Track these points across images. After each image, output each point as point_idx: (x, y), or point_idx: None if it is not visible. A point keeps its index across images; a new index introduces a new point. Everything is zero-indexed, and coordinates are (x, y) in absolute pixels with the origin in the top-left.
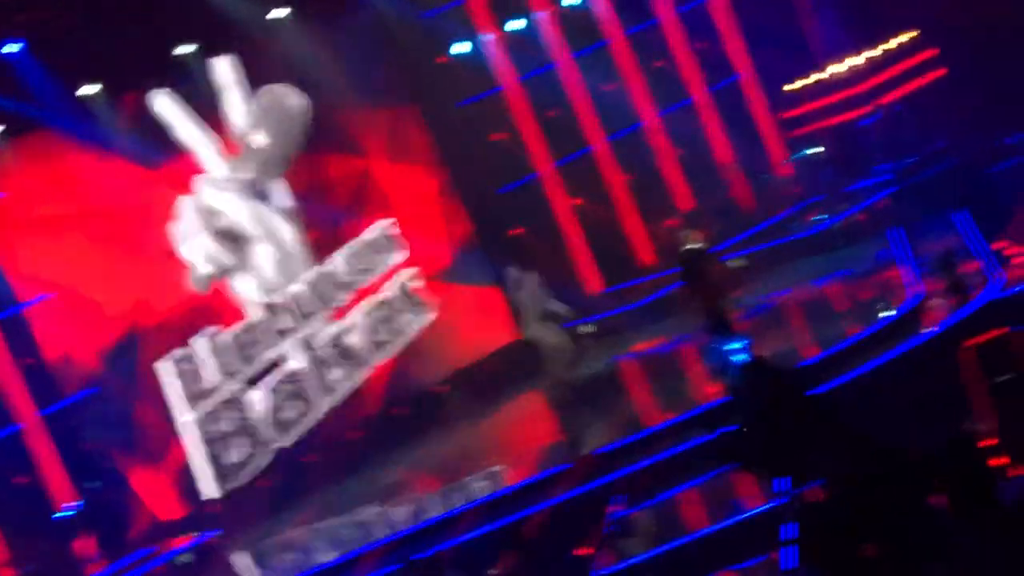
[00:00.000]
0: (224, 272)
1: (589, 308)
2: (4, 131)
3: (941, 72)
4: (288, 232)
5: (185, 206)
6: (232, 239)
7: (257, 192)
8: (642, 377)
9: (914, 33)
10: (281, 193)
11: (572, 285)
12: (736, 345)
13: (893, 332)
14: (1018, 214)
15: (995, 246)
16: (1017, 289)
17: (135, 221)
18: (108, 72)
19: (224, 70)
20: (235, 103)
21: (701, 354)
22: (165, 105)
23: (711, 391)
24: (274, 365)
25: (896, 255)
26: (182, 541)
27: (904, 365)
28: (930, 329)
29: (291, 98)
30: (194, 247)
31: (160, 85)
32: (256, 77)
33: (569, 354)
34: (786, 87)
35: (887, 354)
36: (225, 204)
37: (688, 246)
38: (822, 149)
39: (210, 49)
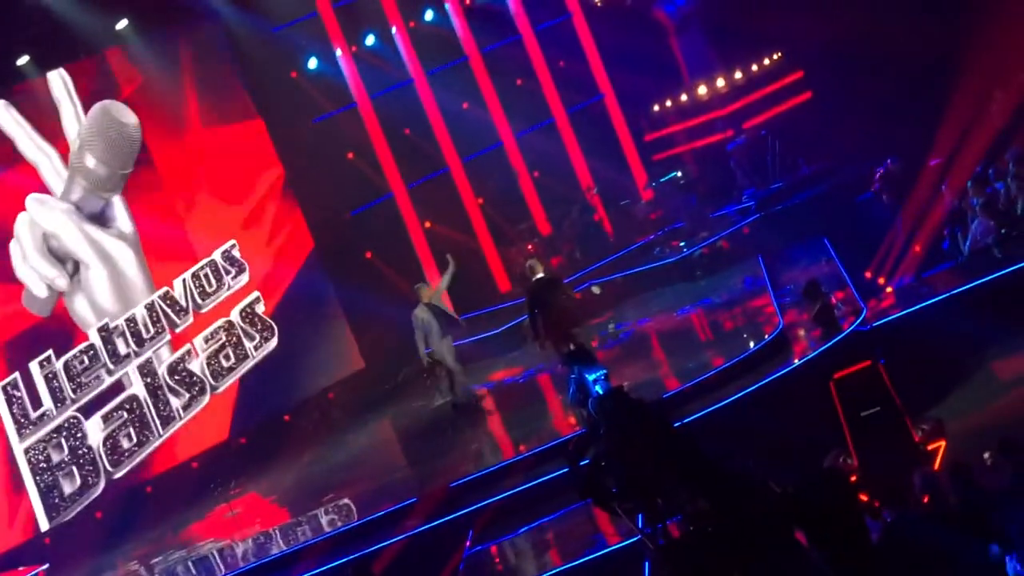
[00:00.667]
0: (58, 295)
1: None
2: None
3: (806, 95)
4: (125, 255)
5: (20, 224)
6: (65, 261)
7: (94, 213)
8: (499, 407)
9: (779, 55)
10: (121, 214)
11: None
12: (593, 375)
13: (757, 363)
14: (884, 244)
15: (861, 276)
16: (882, 321)
17: None
18: None
19: (57, 83)
20: (69, 118)
21: (558, 384)
22: (4, 113)
23: (568, 423)
24: (110, 392)
25: (762, 283)
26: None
27: (768, 397)
28: (794, 360)
29: (124, 115)
30: (28, 268)
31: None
32: (95, 90)
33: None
34: (650, 108)
35: (750, 386)
36: (56, 225)
37: (535, 276)
38: (683, 174)
39: (49, 59)
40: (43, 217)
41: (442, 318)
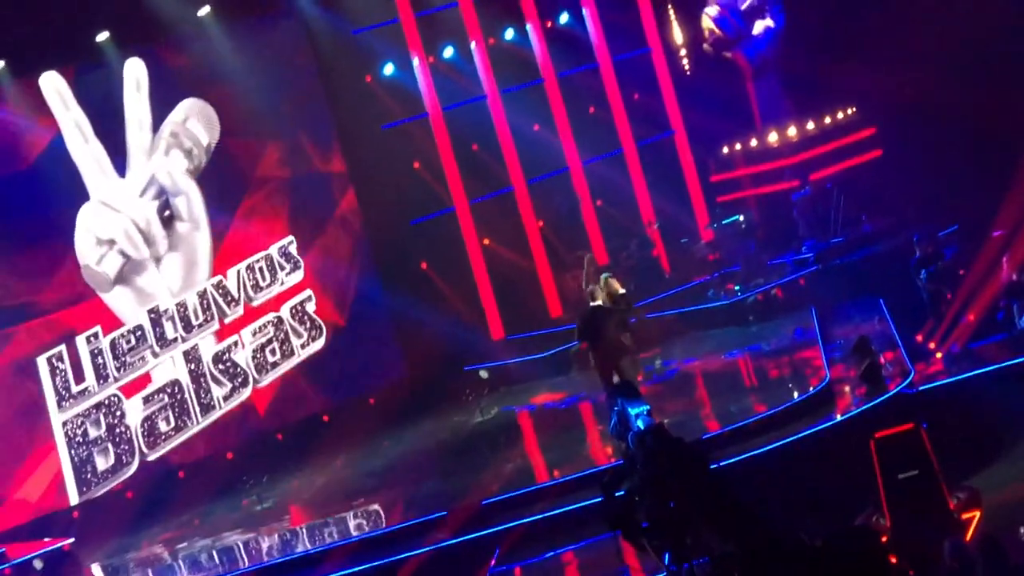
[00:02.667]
0: (123, 271)
1: (489, 354)
2: None
3: (876, 153)
4: (192, 239)
5: (87, 212)
6: (137, 238)
7: (166, 196)
8: (537, 430)
9: (853, 110)
10: (197, 200)
11: (475, 329)
12: (635, 410)
13: (800, 414)
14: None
15: (913, 339)
16: (928, 385)
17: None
18: (14, 49)
19: (136, 69)
20: (142, 103)
21: (599, 414)
22: (50, 89)
23: (605, 453)
24: (153, 375)
25: (813, 335)
26: (32, 546)
27: (807, 449)
28: (836, 415)
29: (210, 109)
30: (96, 242)
31: (67, 69)
32: (172, 76)
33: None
34: (719, 150)
35: (791, 436)
36: (130, 204)
37: (594, 302)
38: (745, 218)
39: (124, 40)
40: (117, 194)
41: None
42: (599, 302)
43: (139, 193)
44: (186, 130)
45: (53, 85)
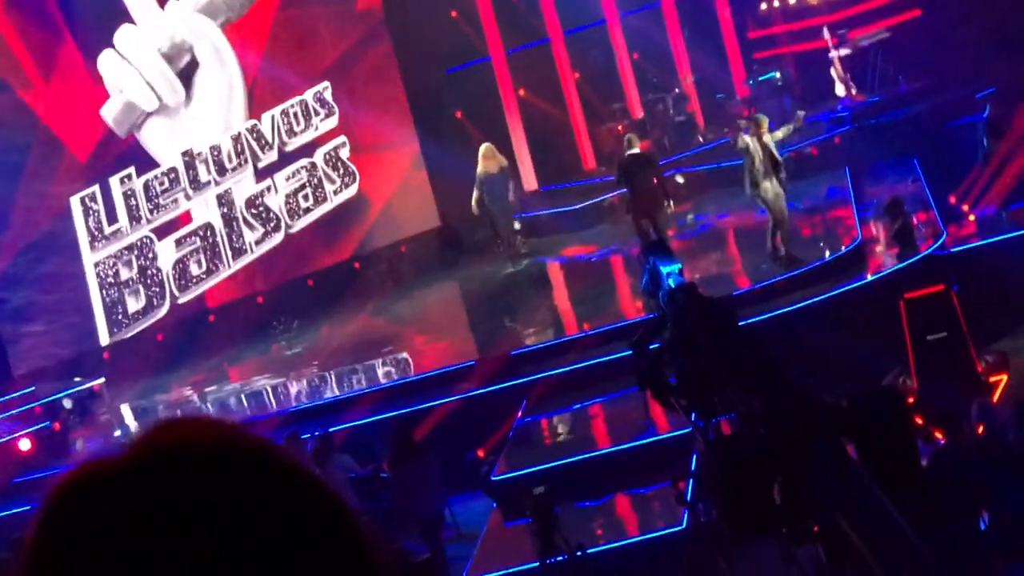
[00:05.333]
0: (158, 107)
1: (523, 206)
2: None
3: (915, 12)
4: (237, 72)
5: (130, 32)
6: (177, 69)
7: (183, 40)
8: (568, 283)
9: None
10: (211, 43)
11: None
12: (667, 268)
13: (830, 273)
14: (973, 172)
15: (946, 201)
16: (960, 248)
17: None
18: None
19: None
20: None
21: (629, 267)
22: None
23: (635, 307)
24: (186, 217)
25: (846, 195)
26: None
27: (836, 309)
28: (867, 275)
29: None
30: (135, 74)
31: None
32: None
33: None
34: (758, 5)
35: (821, 295)
36: (179, 28)
37: (630, 151)
38: (781, 75)
39: None
40: (173, 18)
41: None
42: (636, 150)
43: (155, 38)
44: None
45: None
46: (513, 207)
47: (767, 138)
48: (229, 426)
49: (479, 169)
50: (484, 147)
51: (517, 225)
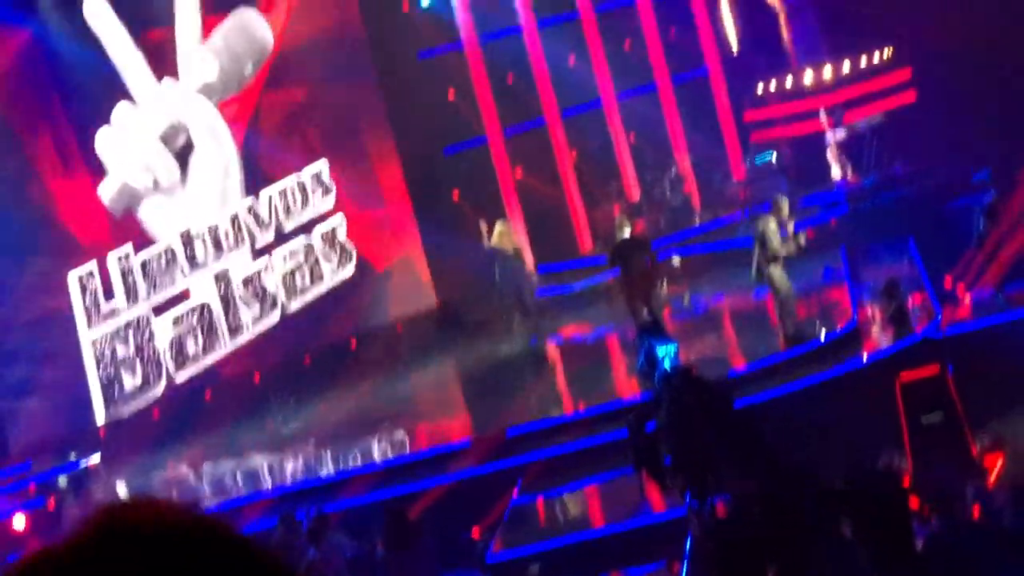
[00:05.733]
0: (154, 188)
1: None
2: None
3: (910, 95)
4: (233, 153)
5: (124, 112)
6: (172, 150)
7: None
8: (565, 362)
9: (889, 51)
10: (206, 123)
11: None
12: (663, 349)
13: (826, 354)
14: (968, 253)
15: (941, 282)
16: (956, 329)
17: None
18: None
19: None
20: (191, 15)
21: (625, 348)
22: (94, 9)
23: (630, 387)
24: (183, 296)
25: (842, 276)
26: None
27: (832, 389)
28: (863, 356)
29: (261, 27)
30: (132, 156)
31: None
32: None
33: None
34: (754, 88)
35: (816, 375)
36: (181, 109)
37: (622, 236)
38: (778, 157)
39: None
40: (168, 101)
41: None
42: (627, 234)
43: (151, 118)
44: (226, 39)
45: (95, 6)
46: (530, 283)
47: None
48: (179, 510)
49: (493, 243)
50: (500, 225)
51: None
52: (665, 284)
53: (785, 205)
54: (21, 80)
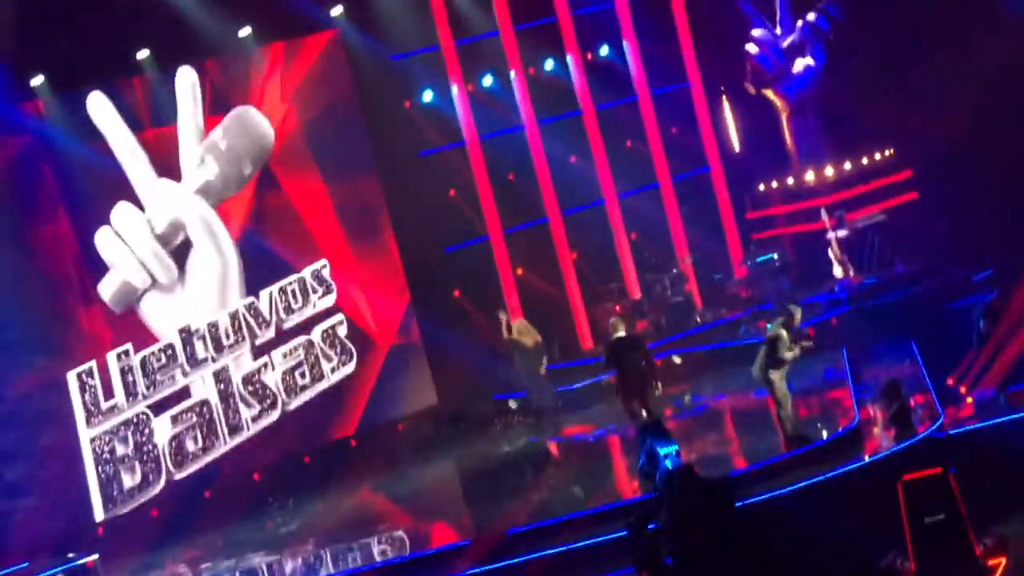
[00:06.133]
0: (152, 286)
1: (519, 385)
2: None
3: (912, 195)
4: (232, 251)
5: (125, 210)
6: (170, 249)
7: (177, 219)
8: (564, 462)
9: (890, 151)
10: (204, 222)
11: (506, 358)
12: (665, 449)
13: (828, 454)
14: (970, 354)
15: (943, 383)
16: (958, 430)
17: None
18: (55, 64)
19: (187, 80)
20: (191, 117)
21: (626, 447)
22: (97, 108)
23: (631, 487)
24: (182, 394)
25: (843, 376)
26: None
27: (834, 489)
28: (864, 457)
29: (262, 123)
30: (129, 256)
31: (107, 85)
32: (212, 93)
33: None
34: (755, 187)
35: (818, 476)
36: (179, 209)
37: (616, 335)
38: (779, 256)
39: (167, 57)
40: (167, 200)
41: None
42: (622, 334)
43: (150, 217)
44: (225, 138)
45: (98, 104)
46: (547, 381)
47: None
48: None
49: (512, 336)
50: (520, 322)
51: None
52: (661, 384)
53: (798, 314)
54: (23, 177)
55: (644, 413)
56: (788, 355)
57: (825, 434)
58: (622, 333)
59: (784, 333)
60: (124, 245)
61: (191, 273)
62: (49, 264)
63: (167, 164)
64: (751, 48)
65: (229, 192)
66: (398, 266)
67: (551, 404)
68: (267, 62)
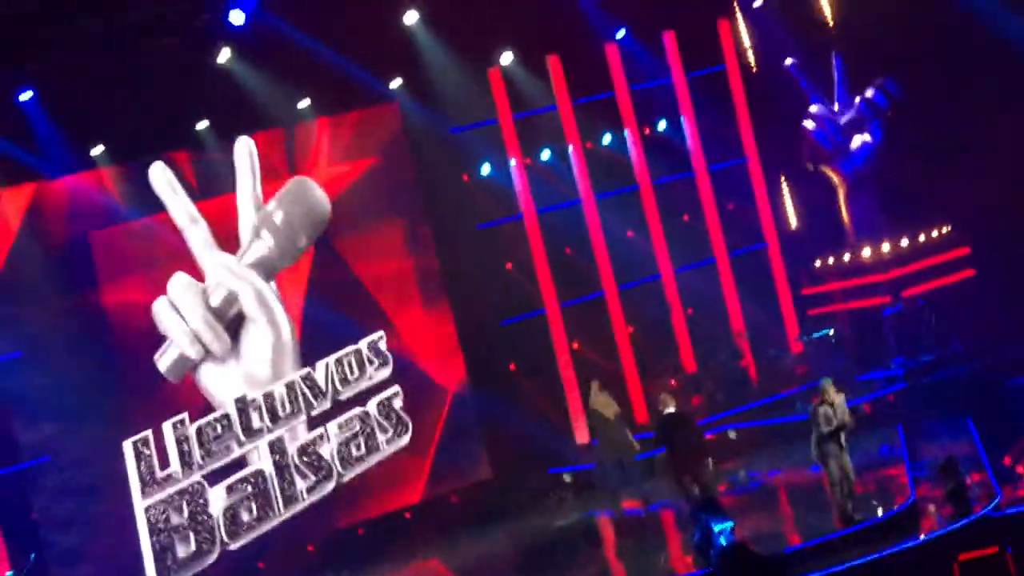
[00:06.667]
0: (206, 357)
1: (575, 458)
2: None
3: (969, 273)
4: (287, 325)
5: (180, 280)
6: (224, 322)
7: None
8: (618, 537)
9: (947, 228)
10: (257, 294)
11: (561, 432)
12: (719, 526)
13: (883, 532)
14: None
15: (1000, 461)
16: (1016, 509)
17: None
18: (116, 135)
19: (243, 150)
20: (246, 187)
21: (680, 522)
22: (159, 178)
23: (685, 563)
24: (237, 464)
25: (900, 453)
26: None
27: (890, 568)
28: (920, 535)
29: (318, 193)
30: (183, 327)
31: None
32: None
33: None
34: (811, 263)
35: (873, 554)
36: (233, 281)
37: (666, 410)
38: (835, 332)
39: (227, 128)
40: (220, 272)
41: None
42: (671, 409)
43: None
44: (281, 210)
45: (161, 174)
46: (632, 449)
47: (838, 399)
48: None
49: (592, 406)
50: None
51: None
52: (713, 460)
53: (830, 388)
54: (81, 244)
55: (697, 489)
56: (825, 429)
57: (881, 511)
58: (672, 409)
59: (821, 408)
60: (178, 316)
61: (244, 345)
62: (107, 333)
63: (224, 235)
64: (808, 124)
65: (285, 263)
66: (454, 337)
67: (616, 480)
68: (325, 133)
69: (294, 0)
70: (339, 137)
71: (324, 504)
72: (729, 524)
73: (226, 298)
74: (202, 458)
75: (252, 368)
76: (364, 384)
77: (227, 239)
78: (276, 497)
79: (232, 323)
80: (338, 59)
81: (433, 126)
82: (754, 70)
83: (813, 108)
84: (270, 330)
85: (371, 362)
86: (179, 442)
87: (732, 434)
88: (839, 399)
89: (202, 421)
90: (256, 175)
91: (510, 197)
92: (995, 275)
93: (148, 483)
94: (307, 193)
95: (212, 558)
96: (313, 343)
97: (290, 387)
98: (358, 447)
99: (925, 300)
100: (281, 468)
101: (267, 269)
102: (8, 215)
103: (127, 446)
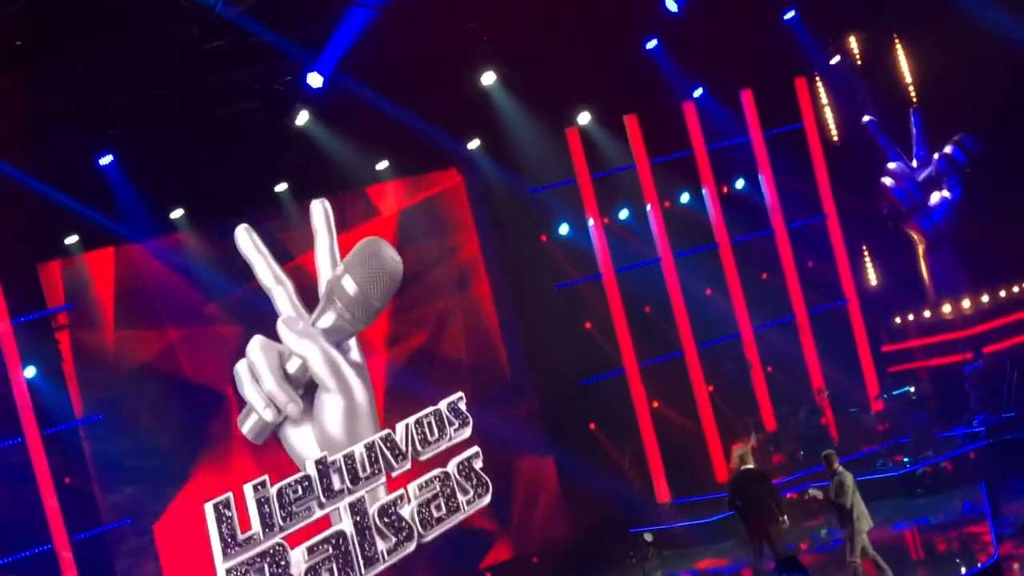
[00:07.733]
0: (283, 421)
1: (655, 517)
2: (80, 241)
3: None
4: (360, 389)
5: (256, 344)
6: (300, 386)
7: (336, 343)
8: None
9: None
10: (355, 347)
11: (640, 490)
12: None
13: None
14: None
15: None
16: None
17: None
18: (195, 197)
19: (319, 212)
20: (323, 248)
21: None
22: (244, 239)
23: None
24: (319, 525)
25: (982, 510)
26: None
27: None
28: None
29: (389, 254)
30: (259, 391)
31: (246, 218)
32: (349, 226)
33: None
34: (892, 320)
35: None
36: (302, 347)
37: (743, 467)
38: (916, 389)
39: (305, 189)
40: (289, 338)
41: None
42: (749, 466)
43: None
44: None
45: (246, 235)
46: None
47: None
48: None
49: (734, 465)
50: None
51: (649, 537)
52: (786, 519)
53: (833, 459)
54: (162, 306)
55: (770, 548)
56: (837, 500)
57: (964, 570)
58: (750, 465)
59: (838, 480)
60: (254, 380)
61: (317, 409)
62: (191, 397)
63: (304, 296)
64: (887, 181)
65: (359, 327)
66: (534, 398)
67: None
68: (401, 193)
69: (371, 62)
70: (415, 197)
71: (405, 565)
72: None
73: (299, 362)
74: (283, 519)
75: (328, 431)
76: (444, 445)
77: (308, 301)
78: (357, 558)
79: (309, 387)
80: (415, 120)
81: (511, 186)
82: (832, 127)
83: (891, 165)
84: (341, 396)
85: (451, 423)
86: (260, 504)
87: (816, 492)
88: (840, 470)
89: (283, 483)
90: (332, 234)
91: (589, 257)
92: None
93: (229, 545)
94: (378, 253)
95: None
96: (392, 404)
97: (370, 448)
98: (438, 508)
99: (1007, 357)
100: (362, 529)
101: (341, 333)
102: (101, 281)
103: (208, 508)
